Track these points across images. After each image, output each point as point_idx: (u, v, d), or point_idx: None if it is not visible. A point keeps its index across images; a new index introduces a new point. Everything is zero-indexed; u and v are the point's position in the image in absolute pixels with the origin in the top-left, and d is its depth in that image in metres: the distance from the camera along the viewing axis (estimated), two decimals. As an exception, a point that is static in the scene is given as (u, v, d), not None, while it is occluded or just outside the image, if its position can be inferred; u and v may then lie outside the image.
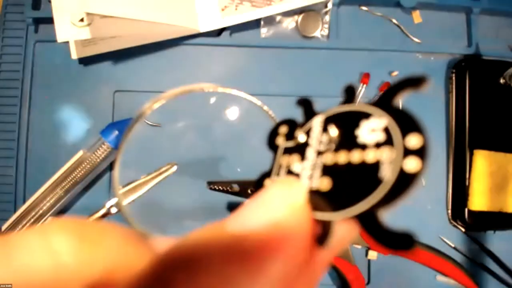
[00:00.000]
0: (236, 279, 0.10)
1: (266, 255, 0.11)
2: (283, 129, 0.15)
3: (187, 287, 0.10)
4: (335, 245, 0.12)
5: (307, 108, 0.14)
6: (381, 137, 0.11)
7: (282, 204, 0.12)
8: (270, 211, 0.12)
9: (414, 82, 0.12)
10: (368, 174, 0.11)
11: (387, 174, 0.11)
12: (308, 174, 0.13)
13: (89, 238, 0.11)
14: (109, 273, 0.11)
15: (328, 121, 0.13)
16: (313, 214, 0.12)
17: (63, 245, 0.11)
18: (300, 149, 0.13)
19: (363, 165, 0.11)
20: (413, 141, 0.11)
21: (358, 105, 0.13)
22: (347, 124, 0.12)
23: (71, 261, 0.11)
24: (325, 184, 0.12)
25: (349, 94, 0.13)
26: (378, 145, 0.11)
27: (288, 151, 0.14)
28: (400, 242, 0.10)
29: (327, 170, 0.12)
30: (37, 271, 0.10)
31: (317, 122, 0.13)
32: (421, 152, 0.11)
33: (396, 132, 0.11)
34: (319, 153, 0.13)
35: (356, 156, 0.12)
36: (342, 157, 0.12)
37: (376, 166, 0.11)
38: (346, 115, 0.13)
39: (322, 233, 0.12)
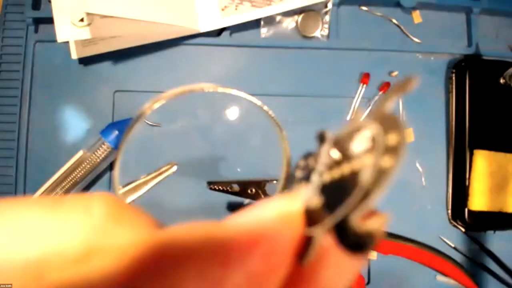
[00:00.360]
0: (210, 269, 0.11)
1: (243, 250, 0.11)
2: (301, 163, 0.15)
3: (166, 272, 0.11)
4: (332, 279, 0.13)
5: (323, 141, 0.14)
6: (368, 145, 0.12)
7: (273, 210, 0.13)
8: (260, 214, 0.12)
9: (400, 86, 0.12)
10: (351, 182, 0.11)
11: (365, 176, 0.11)
12: (307, 194, 0.13)
13: (125, 217, 0.12)
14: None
15: (333, 144, 0.13)
16: (302, 231, 0.12)
17: (101, 212, 0.12)
18: (309, 176, 0.14)
19: (350, 175, 0.12)
20: (391, 139, 0.11)
21: (354, 122, 0.13)
22: (346, 142, 0.13)
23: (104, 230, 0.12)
24: (317, 201, 0.12)
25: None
26: (366, 153, 0.12)
27: (302, 180, 0.14)
28: (357, 245, 0.11)
29: (323, 189, 0.13)
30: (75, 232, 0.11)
31: (323, 149, 0.14)
32: (396, 149, 0.11)
33: (379, 136, 0.11)
34: (322, 174, 0.13)
35: (346, 169, 0.12)
36: (336, 173, 0.12)
37: (359, 173, 0.11)
38: (348, 134, 0.13)
39: (303, 249, 0.12)
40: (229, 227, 0.12)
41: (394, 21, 0.49)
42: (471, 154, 0.45)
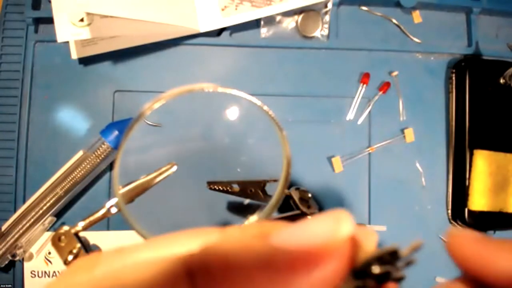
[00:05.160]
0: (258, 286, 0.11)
1: (291, 273, 0.12)
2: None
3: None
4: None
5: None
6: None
7: (326, 233, 0.13)
8: (310, 236, 0.12)
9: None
10: None
11: None
12: None
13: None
14: None
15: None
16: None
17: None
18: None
19: None
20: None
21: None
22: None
23: None
24: None
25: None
26: None
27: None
28: None
29: None
30: None
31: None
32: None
33: None
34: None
35: None
36: None
37: None
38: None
39: None
40: (278, 247, 0.12)
41: (394, 21, 0.49)
42: (471, 154, 0.45)
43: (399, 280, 0.13)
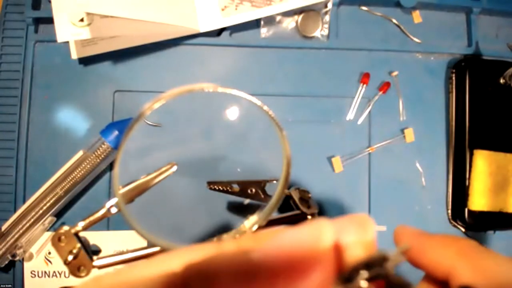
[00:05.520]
0: None
1: (280, 280, 0.12)
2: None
3: None
4: None
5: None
6: None
7: (305, 243, 0.13)
8: (293, 244, 0.13)
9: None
10: None
11: None
12: None
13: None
14: None
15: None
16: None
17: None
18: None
19: None
20: None
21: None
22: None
23: None
24: None
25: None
26: None
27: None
28: None
29: None
30: None
31: None
32: None
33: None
34: None
35: None
36: None
37: None
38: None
39: None
40: (264, 256, 0.12)
41: (394, 21, 0.49)
42: (471, 154, 0.45)
43: (388, 278, 0.13)
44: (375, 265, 0.13)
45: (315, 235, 0.13)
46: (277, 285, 0.12)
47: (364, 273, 0.13)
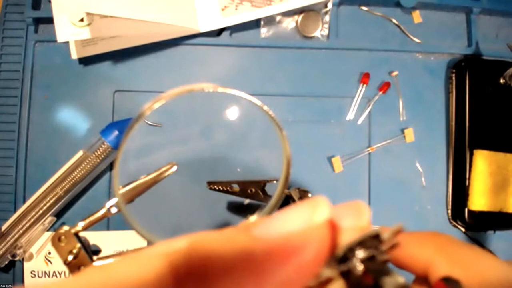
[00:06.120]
0: (244, 280, 0.12)
1: (275, 261, 0.12)
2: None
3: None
4: None
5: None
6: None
7: (300, 221, 0.13)
8: (287, 224, 0.13)
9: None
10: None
11: None
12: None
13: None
14: None
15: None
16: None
17: None
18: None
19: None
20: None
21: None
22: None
23: None
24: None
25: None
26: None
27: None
28: None
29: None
30: None
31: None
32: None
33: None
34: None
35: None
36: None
37: None
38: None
39: None
40: (259, 237, 0.12)
41: (394, 21, 0.49)
42: (471, 154, 0.45)
43: (384, 262, 0.13)
44: (369, 245, 0.13)
45: (311, 210, 0.13)
46: (276, 262, 0.12)
47: (360, 253, 0.13)
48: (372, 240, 0.13)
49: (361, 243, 0.13)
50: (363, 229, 0.13)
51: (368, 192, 0.47)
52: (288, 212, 0.13)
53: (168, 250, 0.12)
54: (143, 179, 0.34)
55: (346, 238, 0.13)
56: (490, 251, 0.46)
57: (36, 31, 0.46)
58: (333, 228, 0.13)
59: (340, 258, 0.13)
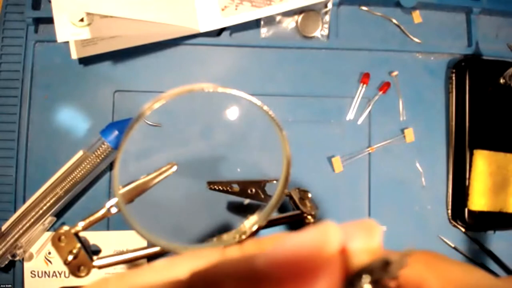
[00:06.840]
0: None
1: (285, 284, 0.12)
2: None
3: None
4: None
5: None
6: None
7: (311, 247, 0.12)
8: (298, 249, 0.12)
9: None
10: None
11: None
12: None
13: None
14: None
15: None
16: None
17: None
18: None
19: None
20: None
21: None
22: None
23: None
24: None
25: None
26: None
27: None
28: None
29: None
30: None
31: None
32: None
33: None
34: None
35: None
36: None
37: None
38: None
39: None
40: (269, 261, 0.12)
41: (394, 21, 0.49)
42: (471, 154, 0.45)
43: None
44: (378, 269, 0.13)
45: (322, 238, 0.12)
46: None
47: (366, 278, 0.12)
48: (381, 263, 0.13)
49: (369, 269, 0.13)
50: (374, 252, 0.13)
51: (368, 192, 0.47)
52: (298, 238, 0.12)
53: (171, 281, 0.13)
54: (143, 179, 0.34)
55: (358, 259, 0.13)
56: (490, 251, 0.46)
57: (36, 31, 0.46)
58: (343, 253, 0.13)
59: (348, 283, 0.13)
